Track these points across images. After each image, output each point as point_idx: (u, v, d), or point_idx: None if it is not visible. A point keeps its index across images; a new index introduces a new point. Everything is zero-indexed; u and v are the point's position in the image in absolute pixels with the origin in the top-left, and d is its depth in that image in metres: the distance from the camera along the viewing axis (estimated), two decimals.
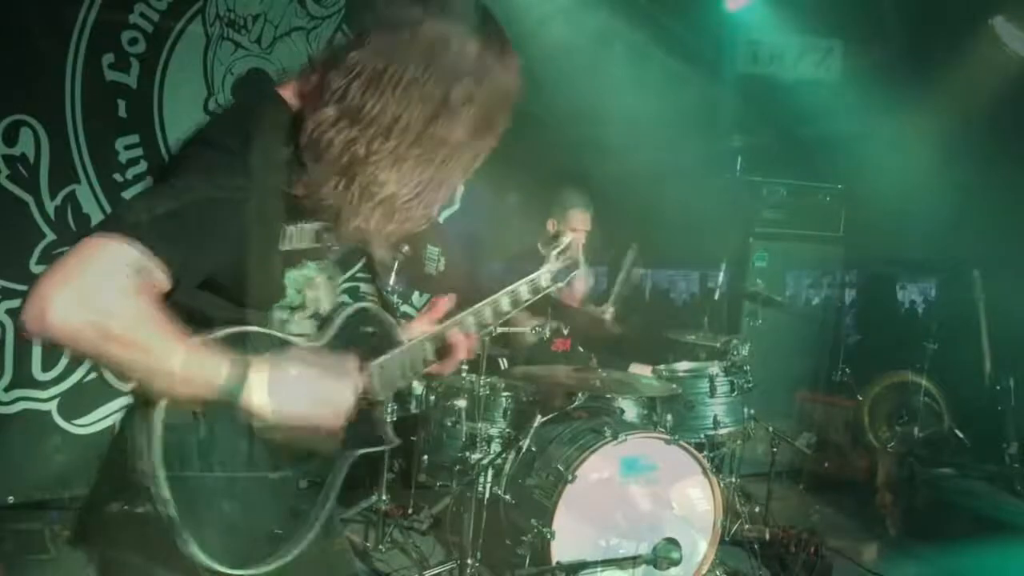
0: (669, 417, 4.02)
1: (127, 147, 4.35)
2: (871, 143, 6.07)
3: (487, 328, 1.94)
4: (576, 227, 4.38)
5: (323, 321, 1.68)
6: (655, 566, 3.42)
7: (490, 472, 3.68)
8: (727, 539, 4.15)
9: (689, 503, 3.65)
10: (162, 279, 1.31)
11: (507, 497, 3.60)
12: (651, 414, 4.00)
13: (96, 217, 4.27)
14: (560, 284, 2.08)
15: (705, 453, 4.02)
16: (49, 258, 4.12)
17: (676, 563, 3.40)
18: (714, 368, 4.25)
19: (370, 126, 1.44)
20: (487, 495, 3.64)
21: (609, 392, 3.90)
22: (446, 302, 1.91)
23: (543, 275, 2.04)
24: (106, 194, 4.30)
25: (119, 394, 4.42)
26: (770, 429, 4.65)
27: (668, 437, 3.62)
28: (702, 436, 4.12)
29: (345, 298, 1.80)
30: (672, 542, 3.44)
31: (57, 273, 1.22)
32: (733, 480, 4.41)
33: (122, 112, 4.32)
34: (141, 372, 1.31)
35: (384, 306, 1.83)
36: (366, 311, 1.76)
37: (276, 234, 1.52)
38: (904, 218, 6.35)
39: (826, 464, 5.71)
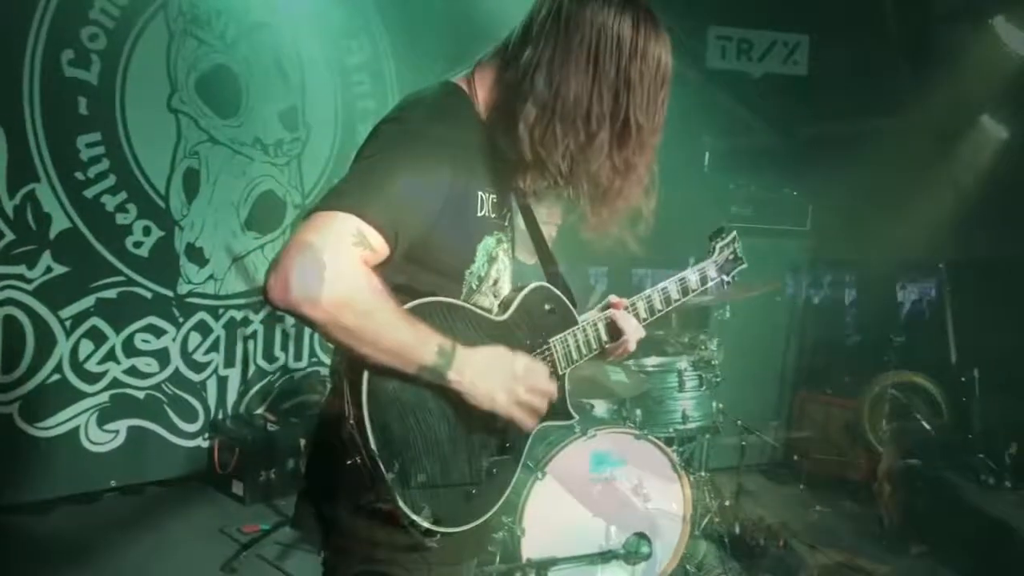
0: (638, 412, 4.02)
1: (88, 145, 4.29)
2: (837, 138, 6.12)
3: (657, 314, 2.01)
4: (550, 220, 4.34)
5: (505, 297, 1.78)
6: (625, 561, 3.43)
7: None
8: (697, 533, 4.16)
9: (659, 497, 3.66)
10: (381, 245, 1.44)
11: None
12: (620, 409, 4.00)
13: (57, 216, 4.21)
14: (726, 277, 2.17)
15: (674, 448, 4.03)
16: (8, 258, 4.06)
17: (646, 558, 3.41)
18: (682, 363, 4.25)
19: (569, 114, 1.56)
20: None
21: (579, 392, 3.90)
22: (619, 301, 1.98)
23: (709, 265, 2.13)
24: (67, 193, 4.24)
25: (82, 396, 4.38)
26: (739, 423, 4.67)
27: (637, 432, 3.62)
28: (671, 431, 4.13)
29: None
30: (642, 537, 3.45)
31: (295, 248, 1.36)
32: (702, 474, 4.42)
33: (83, 109, 4.25)
34: (363, 340, 1.41)
35: (560, 285, 1.90)
36: (546, 289, 1.84)
37: (474, 200, 1.63)
38: (871, 213, 6.44)
39: (795, 456, 5.77)
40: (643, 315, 1.97)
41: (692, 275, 2.08)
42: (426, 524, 1.52)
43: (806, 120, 6.35)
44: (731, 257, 2.18)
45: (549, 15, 1.58)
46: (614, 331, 1.90)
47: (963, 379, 6.35)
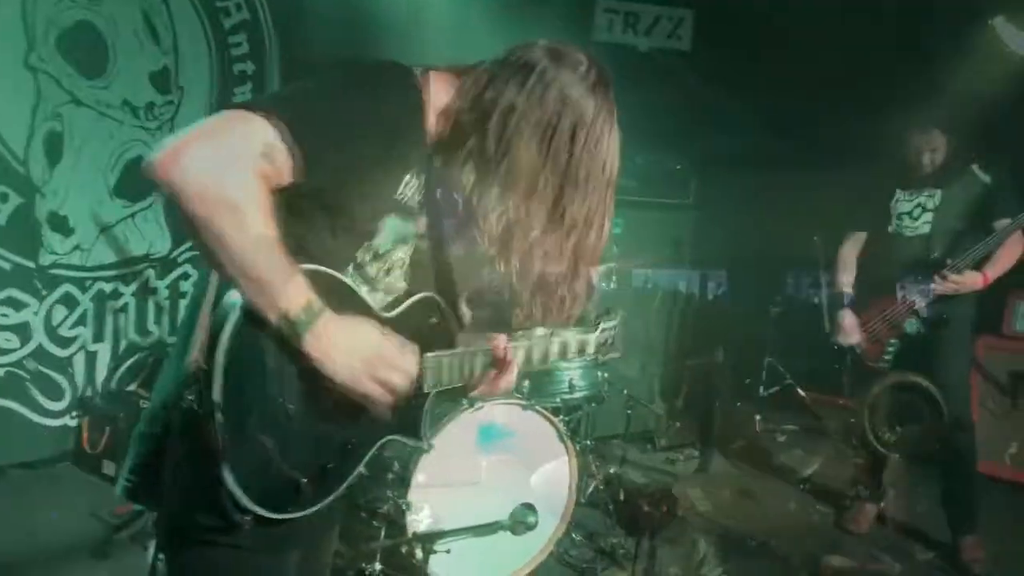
0: (526, 383, 4.01)
1: None
2: (721, 112, 6.26)
3: (531, 365, 1.88)
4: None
5: (395, 297, 1.70)
6: (512, 531, 3.42)
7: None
8: (583, 501, 4.22)
9: (545, 467, 3.67)
10: (285, 168, 1.36)
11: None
12: None
13: None
14: (601, 357, 2.10)
15: (561, 417, 4.05)
16: None
17: (532, 527, 3.41)
18: (569, 332, 4.27)
19: (513, 180, 1.53)
20: None
21: None
22: (504, 339, 1.84)
23: (593, 340, 2.00)
24: None
25: None
26: (624, 392, 4.74)
27: (524, 403, 3.62)
28: (558, 400, 4.16)
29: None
30: (528, 507, 3.44)
31: (200, 131, 1.30)
32: (588, 443, 4.47)
33: None
34: (229, 251, 1.31)
35: (450, 302, 1.82)
36: (435, 302, 1.76)
37: (398, 179, 1.57)
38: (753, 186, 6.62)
39: (677, 424, 5.90)
40: (520, 360, 1.84)
41: (573, 340, 1.96)
42: (245, 501, 1.41)
43: (689, 94, 6.47)
44: (609, 341, 2.08)
45: (522, 70, 1.55)
46: (491, 366, 1.78)
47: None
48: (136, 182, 4.75)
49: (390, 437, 1.70)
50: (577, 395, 4.23)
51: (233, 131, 1.32)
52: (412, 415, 1.73)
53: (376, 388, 1.50)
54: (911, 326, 4.15)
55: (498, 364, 1.77)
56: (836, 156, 5.87)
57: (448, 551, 3.30)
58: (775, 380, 6.72)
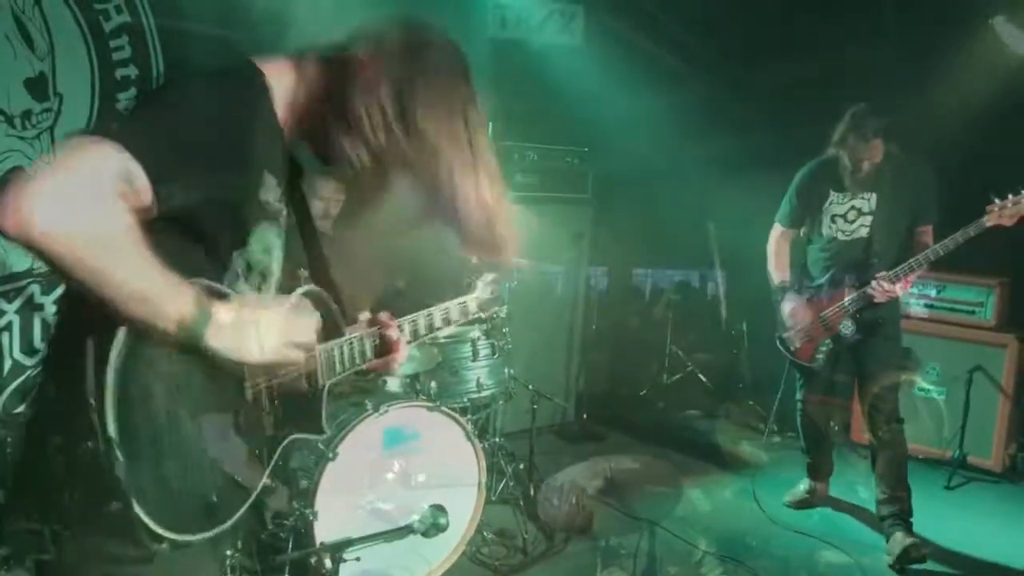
0: (433, 384, 4.01)
1: None
2: (613, 106, 6.35)
3: (418, 339, 2.01)
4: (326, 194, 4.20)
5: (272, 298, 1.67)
6: (423, 534, 3.40)
7: None
8: (493, 498, 4.24)
9: (454, 468, 3.68)
10: (145, 191, 1.30)
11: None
12: (414, 383, 3.98)
13: None
14: (483, 315, 2.19)
15: (469, 416, 4.06)
16: None
17: (443, 529, 3.39)
18: (475, 332, 4.29)
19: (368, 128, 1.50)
20: None
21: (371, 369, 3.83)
22: (387, 315, 1.93)
23: (472, 300, 2.14)
24: None
25: None
26: (530, 387, 4.78)
27: (430, 404, 3.61)
28: (465, 400, 4.16)
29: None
30: (439, 509, 3.43)
31: (44, 178, 1.20)
32: (497, 440, 4.49)
33: None
34: (108, 283, 1.25)
35: (331, 291, 1.83)
36: (317, 294, 1.75)
37: (259, 181, 1.52)
38: (649, 181, 6.75)
39: (584, 416, 5.98)
40: (407, 337, 1.96)
41: (454, 307, 2.11)
42: (159, 529, 1.37)
43: (585, 88, 6.54)
44: (491, 296, 2.20)
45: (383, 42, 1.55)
46: (382, 348, 1.88)
47: (732, 332, 6.88)
48: None
49: (295, 436, 1.71)
50: (485, 393, 4.24)
51: (84, 162, 1.25)
52: (312, 410, 1.74)
53: (293, 352, 1.54)
54: (846, 327, 4.21)
55: (388, 344, 1.86)
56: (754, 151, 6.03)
57: (358, 559, 3.26)
58: (677, 368, 6.90)
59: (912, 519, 4.20)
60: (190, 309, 1.34)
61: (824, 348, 4.32)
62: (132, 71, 4.94)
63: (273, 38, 4.81)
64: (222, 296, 1.47)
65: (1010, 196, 3.85)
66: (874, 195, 4.17)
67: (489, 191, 1.63)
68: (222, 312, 1.40)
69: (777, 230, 4.58)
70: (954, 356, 5.45)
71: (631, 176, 6.56)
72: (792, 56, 5.83)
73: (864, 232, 4.20)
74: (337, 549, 3.15)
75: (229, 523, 1.54)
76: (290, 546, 3.19)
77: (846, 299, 4.20)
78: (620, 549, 3.92)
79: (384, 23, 1.60)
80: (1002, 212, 3.84)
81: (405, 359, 1.93)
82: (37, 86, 4.59)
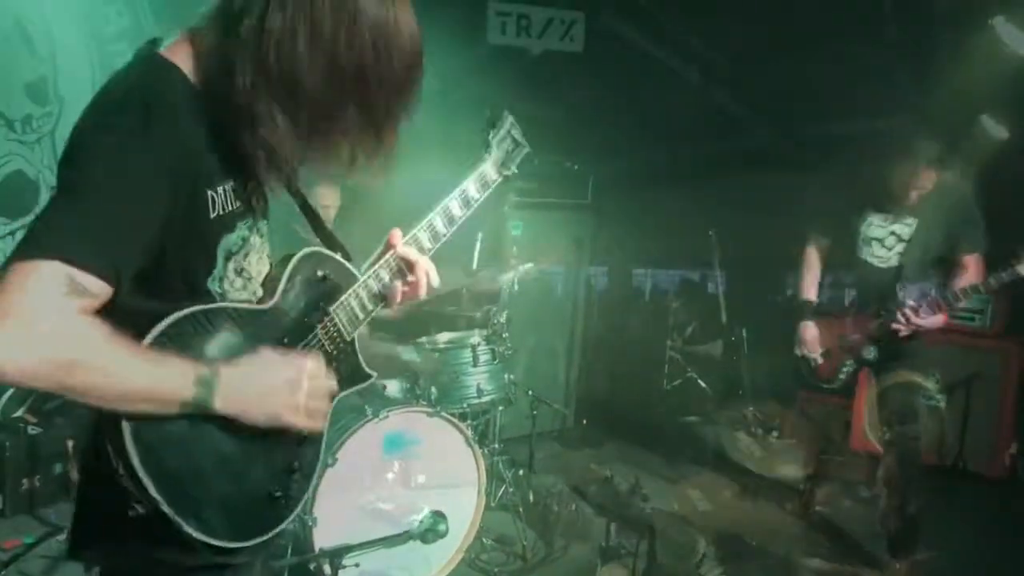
0: (433, 389, 4.00)
1: None
2: (613, 111, 6.36)
3: (442, 239, 1.83)
4: (325, 203, 4.18)
5: (269, 276, 1.61)
6: (422, 540, 3.41)
7: None
8: (493, 504, 4.23)
9: (453, 474, 3.67)
10: (100, 289, 1.25)
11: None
12: (414, 388, 3.97)
13: None
14: (508, 173, 1.97)
15: (469, 422, 4.06)
16: None
17: (443, 535, 3.41)
18: (475, 337, 4.28)
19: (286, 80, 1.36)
20: None
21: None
22: (398, 233, 1.79)
23: (488, 167, 1.92)
24: None
25: None
26: (530, 393, 4.77)
27: (430, 410, 3.60)
28: (465, 406, 4.14)
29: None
30: (438, 515, 3.44)
31: None
32: (496, 446, 4.49)
33: None
34: (105, 398, 1.25)
35: (328, 244, 1.76)
36: (315, 255, 1.68)
37: (204, 203, 1.41)
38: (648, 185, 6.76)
39: (583, 421, 5.96)
40: (427, 245, 1.80)
41: (471, 185, 1.89)
42: (231, 543, 1.44)
43: (585, 94, 6.56)
44: (511, 148, 2.00)
45: None
46: (401, 271, 1.75)
47: (732, 338, 6.88)
48: (16, 198, 4.53)
49: (344, 392, 1.70)
50: (484, 399, 4.23)
51: (28, 291, 1.18)
52: (349, 365, 1.73)
53: (304, 420, 1.48)
54: (869, 352, 4.03)
55: (409, 263, 1.74)
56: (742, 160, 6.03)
57: (357, 565, 3.27)
58: (677, 373, 6.89)
59: (919, 532, 4.02)
60: (191, 386, 1.33)
61: (846, 369, 4.13)
62: None
63: None
64: (245, 324, 1.48)
65: None
66: (914, 220, 3.91)
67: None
68: (231, 379, 1.38)
69: (811, 243, 4.35)
70: (954, 363, 5.43)
71: (631, 180, 6.57)
72: (791, 58, 5.83)
73: (896, 260, 3.96)
74: (336, 555, 3.16)
75: (297, 511, 1.60)
76: (289, 552, 3.18)
77: (871, 325, 3.99)
78: (620, 549, 3.91)
79: None
80: None
81: (431, 268, 1.78)
82: (38, 90, 4.60)
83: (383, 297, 1.75)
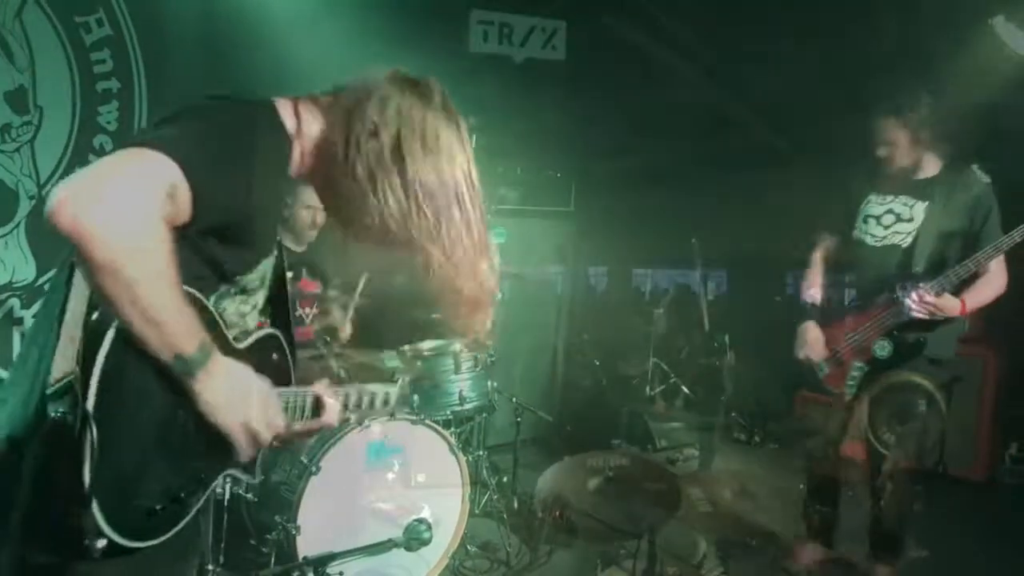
0: (416, 397, 4.00)
1: None
2: (598, 121, 6.39)
3: (348, 413, 1.95)
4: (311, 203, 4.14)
5: (240, 330, 1.69)
6: (406, 548, 3.41)
7: None
8: (477, 511, 4.23)
9: (437, 481, 3.67)
10: (186, 209, 1.32)
11: (249, 496, 3.43)
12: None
13: None
14: (392, 416, 2.38)
15: (452, 429, 4.06)
16: None
17: (427, 543, 3.41)
18: (457, 345, 4.29)
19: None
20: (227, 496, 3.45)
21: (357, 379, 3.82)
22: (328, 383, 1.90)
23: (394, 394, 2.08)
24: None
25: None
26: (513, 400, 4.78)
27: (414, 418, 3.60)
28: (448, 413, 4.15)
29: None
30: (422, 522, 3.44)
31: (105, 171, 1.23)
32: (480, 453, 4.49)
33: None
34: (136, 302, 1.27)
35: (288, 341, 1.85)
36: (277, 339, 1.79)
37: (279, 211, 1.60)
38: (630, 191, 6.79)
39: (568, 428, 5.98)
40: (338, 404, 1.89)
41: (378, 394, 2.05)
42: (104, 527, 1.35)
43: (566, 102, 6.59)
44: (406, 394, 2.20)
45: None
46: (318, 410, 1.83)
47: (715, 344, 6.91)
48: None
49: (230, 471, 1.70)
50: (467, 406, 4.24)
51: (137, 172, 1.27)
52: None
53: (242, 435, 1.51)
54: (882, 349, 3.62)
55: (322, 408, 1.82)
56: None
57: (341, 573, 3.26)
58: (661, 380, 6.92)
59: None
60: (192, 348, 1.36)
61: (856, 373, 3.72)
62: (114, 84, 4.93)
63: (261, 61, 4.83)
64: (226, 351, 1.50)
65: None
66: (919, 203, 3.63)
67: (477, 270, 1.66)
68: (219, 363, 1.42)
69: (819, 246, 4.07)
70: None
71: (613, 187, 6.60)
72: (784, 60, 5.86)
73: (898, 239, 3.64)
74: (320, 563, 3.15)
75: (163, 537, 1.49)
76: (272, 560, 3.18)
77: (881, 315, 3.61)
78: (620, 549, 3.92)
79: (379, 69, 1.61)
80: None
81: (333, 425, 1.89)
82: (17, 99, 4.57)
83: (301, 417, 1.80)
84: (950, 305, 3.47)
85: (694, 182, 6.57)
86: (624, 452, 4.60)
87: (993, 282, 3.55)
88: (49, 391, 1.33)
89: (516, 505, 4.49)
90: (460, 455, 3.72)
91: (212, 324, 1.52)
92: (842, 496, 4.31)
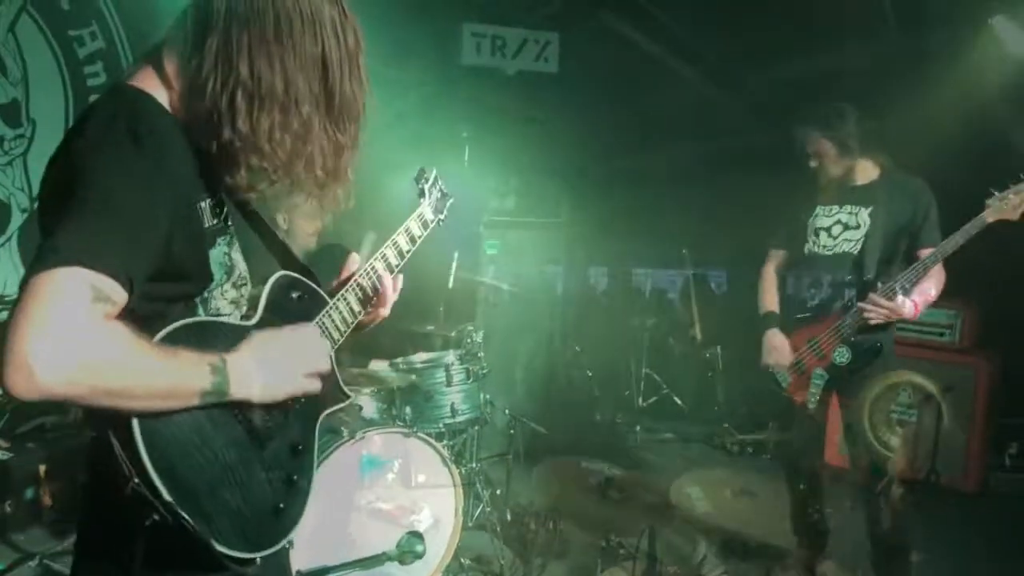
0: (408, 410, 4.01)
1: None
2: (591, 133, 6.41)
3: (396, 268, 2.00)
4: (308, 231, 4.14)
5: (250, 295, 1.72)
6: (400, 561, 3.41)
7: None
8: (470, 524, 4.23)
9: (430, 494, 3.67)
10: (119, 296, 1.29)
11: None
12: (390, 408, 3.97)
13: None
14: (441, 216, 2.20)
15: (444, 442, 4.06)
16: None
17: (420, 556, 3.41)
18: (449, 357, 4.29)
19: (279, 99, 1.49)
20: None
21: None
22: (355, 258, 1.98)
23: (425, 209, 2.13)
24: None
25: None
26: (507, 412, 4.78)
27: (406, 430, 3.60)
28: (441, 426, 4.16)
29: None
30: (415, 535, 3.44)
31: (25, 325, 1.17)
32: (473, 465, 4.49)
33: None
34: (135, 396, 1.30)
35: (300, 268, 1.85)
36: (287, 277, 1.78)
37: (197, 214, 1.52)
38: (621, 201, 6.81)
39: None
40: (382, 272, 1.96)
41: (413, 224, 2.09)
42: (244, 554, 1.47)
43: (559, 115, 6.62)
44: (439, 196, 2.22)
45: None
46: (366, 297, 1.91)
47: (707, 355, 6.93)
48: None
49: (328, 410, 1.79)
50: (460, 419, 4.24)
51: (55, 299, 1.20)
52: (329, 384, 1.77)
53: (310, 382, 1.60)
54: (840, 355, 3.71)
55: (383, 285, 1.92)
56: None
57: None
58: (652, 391, 6.93)
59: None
60: (208, 379, 1.39)
61: (818, 381, 3.79)
62: None
63: None
64: (235, 338, 1.51)
65: (1010, 186, 3.43)
66: (863, 209, 3.76)
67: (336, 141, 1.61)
68: (238, 363, 1.45)
69: (769, 254, 4.21)
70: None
71: (604, 197, 6.62)
72: (779, 60, 5.88)
73: (848, 247, 3.76)
74: None
75: (302, 517, 1.67)
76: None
77: (837, 322, 3.71)
78: (620, 549, 3.91)
79: None
80: (1003, 204, 3.41)
81: (390, 297, 1.95)
82: (10, 112, 4.58)
83: (353, 316, 1.88)
84: (905, 308, 3.57)
85: (687, 193, 6.58)
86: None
87: (936, 280, 3.66)
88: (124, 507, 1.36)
89: (509, 517, 4.49)
90: (453, 467, 3.72)
91: (214, 331, 1.52)
92: (840, 502, 4.37)
